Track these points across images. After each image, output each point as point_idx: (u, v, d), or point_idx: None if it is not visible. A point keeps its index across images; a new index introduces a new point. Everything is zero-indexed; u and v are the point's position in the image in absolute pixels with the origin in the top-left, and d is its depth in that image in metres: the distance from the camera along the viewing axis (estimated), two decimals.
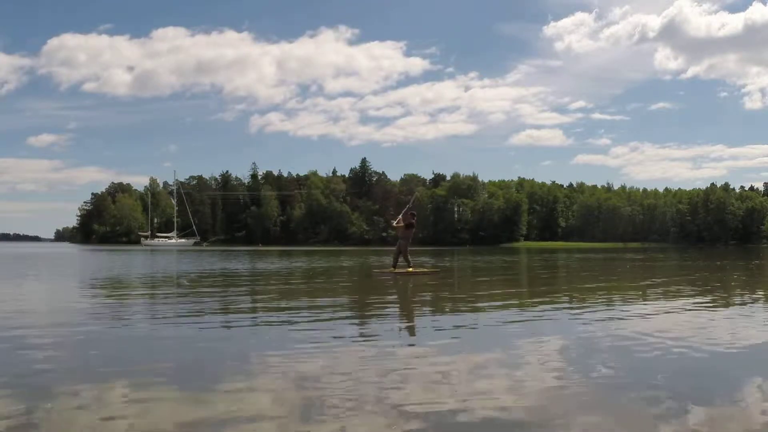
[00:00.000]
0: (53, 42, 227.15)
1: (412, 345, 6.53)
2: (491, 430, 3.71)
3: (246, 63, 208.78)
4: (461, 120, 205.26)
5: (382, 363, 5.42)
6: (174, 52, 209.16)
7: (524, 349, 6.14)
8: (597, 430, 3.68)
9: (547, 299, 11.36)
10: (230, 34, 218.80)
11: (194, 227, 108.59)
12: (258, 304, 10.70)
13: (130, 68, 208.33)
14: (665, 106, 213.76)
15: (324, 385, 4.64)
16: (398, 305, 10.87)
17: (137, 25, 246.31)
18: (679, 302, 10.47)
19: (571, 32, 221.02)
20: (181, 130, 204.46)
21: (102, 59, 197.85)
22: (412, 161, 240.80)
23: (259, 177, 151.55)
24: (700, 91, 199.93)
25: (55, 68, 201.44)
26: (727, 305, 10.26)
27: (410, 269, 17.51)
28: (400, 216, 18.57)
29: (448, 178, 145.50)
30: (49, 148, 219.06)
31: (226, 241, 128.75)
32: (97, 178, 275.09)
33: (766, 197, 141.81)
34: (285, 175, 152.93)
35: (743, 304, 10.55)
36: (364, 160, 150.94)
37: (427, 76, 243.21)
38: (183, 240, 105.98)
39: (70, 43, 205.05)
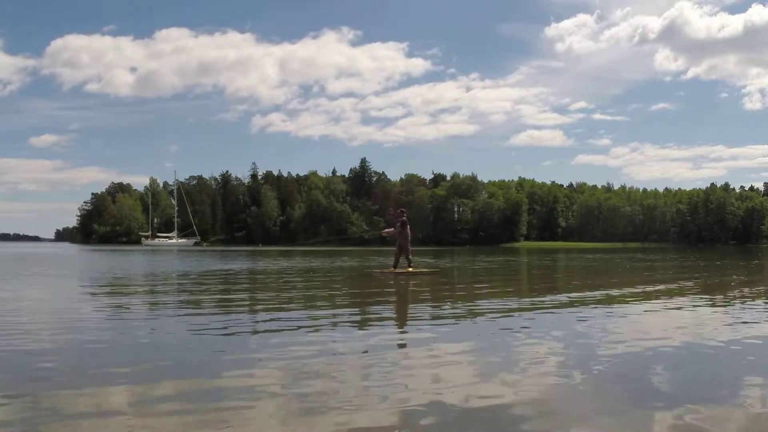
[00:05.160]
0: (57, 43, 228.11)
1: (411, 344, 6.55)
2: (491, 428, 3.74)
3: (248, 64, 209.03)
4: (462, 120, 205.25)
5: (382, 363, 5.45)
6: (177, 52, 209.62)
7: (524, 347, 6.17)
8: (595, 429, 3.71)
9: (549, 299, 11.39)
10: (233, 35, 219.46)
11: (194, 227, 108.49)
12: (258, 304, 10.72)
13: (133, 69, 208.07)
14: (665, 107, 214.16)
15: (326, 386, 4.66)
16: (398, 305, 10.89)
17: (141, 26, 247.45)
18: (680, 301, 10.50)
19: (572, 33, 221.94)
20: (183, 131, 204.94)
21: (105, 60, 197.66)
22: (412, 161, 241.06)
23: (259, 177, 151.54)
24: (701, 91, 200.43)
25: (59, 69, 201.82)
26: (727, 304, 10.27)
27: (410, 269, 17.52)
28: (391, 229, 18.94)
29: (448, 178, 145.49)
30: (50, 148, 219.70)
31: (226, 241, 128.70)
32: (99, 178, 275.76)
33: (766, 197, 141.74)
34: (285, 175, 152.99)
35: (743, 303, 10.57)
36: (363, 160, 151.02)
37: (429, 77, 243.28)
38: (183, 240, 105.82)
39: (73, 44, 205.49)
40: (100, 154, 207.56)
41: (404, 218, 18.07)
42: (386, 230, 20.38)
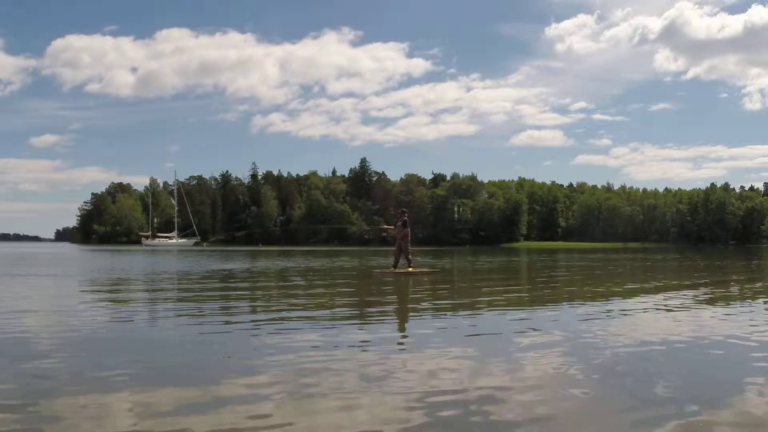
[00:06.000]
0: (58, 43, 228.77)
1: (412, 350, 6.53)
2: (491, 430, 3.73)
3: (249, 64, 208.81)
4: (462, 120, 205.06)
5: (382, 364, 5.43)
6: (178, 52, 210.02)
7: (524, 348, 6.15)
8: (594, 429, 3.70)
9: (549, 300, 11.37)
10: (234, 35, 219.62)
11: (194, 227, 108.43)
12: (258, 306, 10.70)
13: (134, 69, 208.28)
14: (666, 107, 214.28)
15: (326, 391, 4.65)
16: (398, 306, 10.87)
17: (141, 26, 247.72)
18: (682, 303, 10.48)
19: (572, 33, 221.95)
20: (184, 131, 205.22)
21: (106, 60, 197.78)
22: (412, 161, 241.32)
23: (259, 177, 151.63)
24: (701, 92, 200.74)
25: (59, 69, 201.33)
26: (729, 306, 10.25)
27: (410, 269, 17.51)
28: (390, 226, 19.04)
29: (448, 178, 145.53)
30: (51, 148, 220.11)
31: (226, 241, 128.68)
32: (99, 178, 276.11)
33: (766, 197, 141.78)
34: (285, 175, 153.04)
35: (744, 304, 10.55)
36: (363, 160, 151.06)
37: (429, 77, 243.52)
38: (183, 240, 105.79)
39: (74, 44, 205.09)
40: (100, 154, 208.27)
41: (405, 218, 18.10)
42: (386, 226, 20.57)
